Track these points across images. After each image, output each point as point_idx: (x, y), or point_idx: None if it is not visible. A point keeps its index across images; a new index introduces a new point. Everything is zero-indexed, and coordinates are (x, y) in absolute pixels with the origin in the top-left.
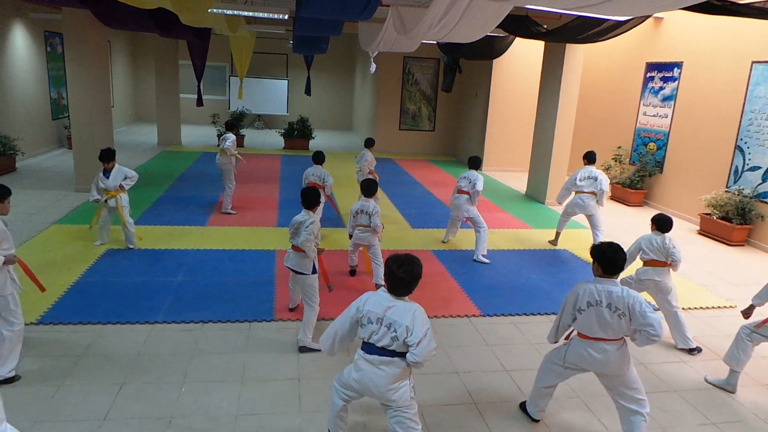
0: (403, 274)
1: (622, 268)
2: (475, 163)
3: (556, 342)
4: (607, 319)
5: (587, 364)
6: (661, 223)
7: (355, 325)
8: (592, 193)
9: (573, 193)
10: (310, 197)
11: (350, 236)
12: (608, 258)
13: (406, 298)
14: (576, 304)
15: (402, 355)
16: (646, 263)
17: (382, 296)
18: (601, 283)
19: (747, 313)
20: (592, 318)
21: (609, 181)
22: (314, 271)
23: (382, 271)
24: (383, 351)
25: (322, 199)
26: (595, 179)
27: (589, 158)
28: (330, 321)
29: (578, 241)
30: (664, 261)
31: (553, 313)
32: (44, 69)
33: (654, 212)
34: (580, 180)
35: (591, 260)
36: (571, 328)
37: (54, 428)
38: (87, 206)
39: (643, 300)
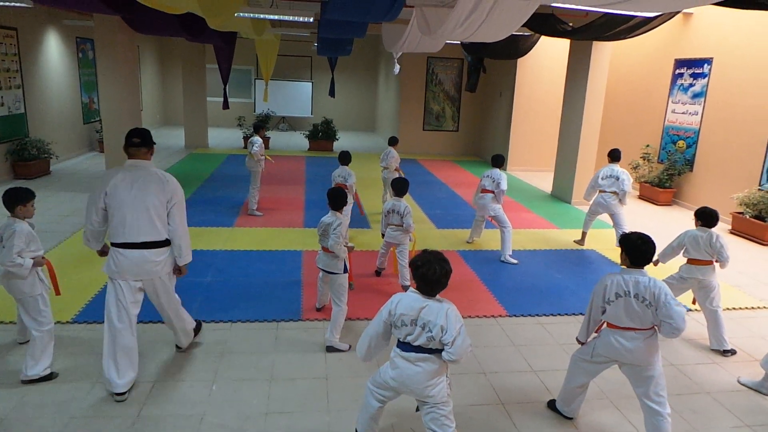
0: (439, 276)
1: (650, 260)
2: (498, 161)
3: (586, 342)
4: (635, 308)
5: (617, 354)
6: (706, 217)
7: (389, 328)
8: (615, 192)
9: (597, 192)
10: (336, 198)
11: (383, 235)
12: (636, 249)
13: (438, 296)
14: (605, 296)
15: (439, 351)
16: (689, 261)
17: (413, 297)
18: (629, 273)
19: None
20: (620, 308)
21: (631, 180)
22: (345, 270)
23: (408, 272)
24: (420, 348)
25: (350, 199)
26: (617, 179)
27: (613, 156)
28: (356, 321)
29: (605, 241)
30: (709, 259)
31: (581, 314)
32: (76, 74)
33: (684, 211)
34: (602, 179)
35: (620, 251)
36: (601, 322)
37: (89, 424)
38: None
39: (669, 291)
